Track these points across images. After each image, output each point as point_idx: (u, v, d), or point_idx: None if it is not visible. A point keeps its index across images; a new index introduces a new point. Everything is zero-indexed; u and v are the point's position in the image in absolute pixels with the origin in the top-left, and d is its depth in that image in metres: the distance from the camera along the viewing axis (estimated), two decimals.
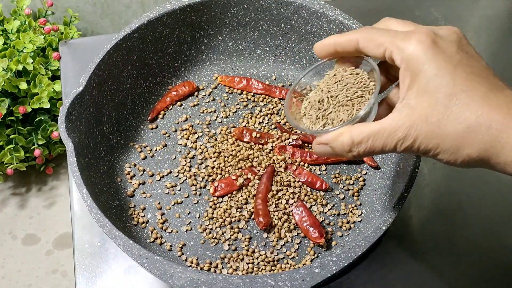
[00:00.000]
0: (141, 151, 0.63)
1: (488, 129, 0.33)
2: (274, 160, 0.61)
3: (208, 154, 0.62)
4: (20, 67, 0.94)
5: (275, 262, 0.55)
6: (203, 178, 0.60)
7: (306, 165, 0.61)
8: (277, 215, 0.57)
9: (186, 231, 0.57)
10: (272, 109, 0.66)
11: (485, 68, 0.36)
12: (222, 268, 0.55)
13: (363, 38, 0.39)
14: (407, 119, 0.35)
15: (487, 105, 0.33)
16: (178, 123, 0.65)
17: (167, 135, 0.64)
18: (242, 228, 0.57)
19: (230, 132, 0.64)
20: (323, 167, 0.61)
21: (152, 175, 0.61)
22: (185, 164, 0.62)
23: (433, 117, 0.34)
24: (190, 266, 0.55)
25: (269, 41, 0.68)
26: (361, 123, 0.38)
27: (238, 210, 0.58)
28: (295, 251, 0.56)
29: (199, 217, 0.58)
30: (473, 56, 0.36)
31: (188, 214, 0.58)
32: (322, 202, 0.59)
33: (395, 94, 0.41)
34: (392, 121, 0.36)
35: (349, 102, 0.41)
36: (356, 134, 0.38)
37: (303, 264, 0.55)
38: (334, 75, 0.43)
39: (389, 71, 0.42)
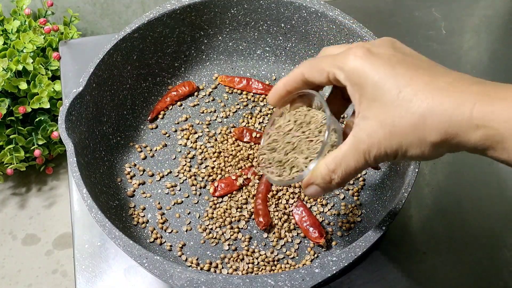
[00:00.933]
0: (141, 151, 0.63)
1: (441, 112, 0.33)
2: None
3: (208, 154, 0.62)
4: (20, 67, 0.94)
5: (275, 262, 0.55)
6: (203, 178, 0.60)
7: None
8: (277, 215, 0.57)
9: (186, 231, 0.57)
10: (272, 109, 0.66)
11: (425, 61, 0.37)
12: (222, 268, 0.55)
13: (306, 69, 0.40)
14: (365, 130, 0.37)
15: (432, 90, 0.34)
16: (178, 123, 0.65)
17: (167, 135, 0.64)
18: (242, 228, 0.57)
19: (230, 132, 0.64)
20: None
21: (152, 175, 0.61)
22: (185, 164, 0.62)
23: (387, 119, 0.35)
24: (190, 266, 0.55)
25: (269, 41, 0.68)
26: (332, 151, 0.39)
27: (238, 210, 0.58)
28: (295, 251, 0.56)
29: (199, 217, 0.58)
30: (411, 54, 0.37)
31: (188, 214, 0.58)
32: (322, 202, 0.59)
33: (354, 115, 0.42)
34: (353, 137, 0.37)
35: (307, 141, 0.42)
36: (329, 162, 0.38)
37: (303, 264, 0.55)
38: (279, 125, 0.44)
39: (343, 94, 0.43)
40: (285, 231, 0.57)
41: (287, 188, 0.59)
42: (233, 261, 0.55)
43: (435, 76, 0.35)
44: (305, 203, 0.58)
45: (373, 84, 0.36)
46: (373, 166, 0.60)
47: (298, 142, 0.42)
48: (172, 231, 0.57)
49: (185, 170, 0.61)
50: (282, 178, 0.43)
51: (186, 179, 0.61)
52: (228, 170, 0.61)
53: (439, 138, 0.34)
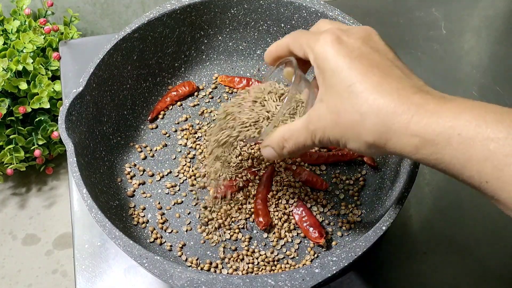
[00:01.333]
0: (141, 151, 0.63)
1: (378, 116, 0.35)
2: (274, 161, 0.61)
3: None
4: (20, 67, 0.94)
5: (275, 262, 0.55)
6: (202, 178, 0.60)
7: (306, 165, 0.61)
8: (277, 215, 0.57)
9: (186, 231, 0.57)
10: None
11: (387, 60, 0.37)
12: (222, 268, 0.55)
13: (291, 41, 0.42)
14: (316, 112, 0.39)
15: (377, 92, 0.35)
16: (178, 123, 0.65)
17: (167, 135, 0.64)
18: (242, 228, 0.57)
19: None
20: (323, 167, 0.61)
21: (152, 175, 0.61)
22: (185, 164, 0.62)
23: (335, 109, 0.37)
24: (190, 266, 0.55)
25: (269, 41, 0.68)
26: (291, 122, 0.42)
27: (238, 210, 0.58)
28: (295, 251, 0.56)
29: (199, 217, 0.58)
30: (379, 50, 0.38)
31: (188, 214, 0.58)
32: (322, 202, 0.59)
33: None
34: (307, 116, 0.40)
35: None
36: (285, 131, 0.42)
37: (303, 264, 0.55)
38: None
39: None
40: (285, 231, 0.57)
41: (287, 188, 0.59)
42: (233, 261, 0.55)
43: (386, 79, 0.36)
44: (305, 203, 0.58)
45: (331, 71, 0.37)
46: (373, 166, 0.60)
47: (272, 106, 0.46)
48: (172, 231, 0.57)
49: (185, 170, 0.61)
50: (249, 134, 0.47)
51: (186, 179, 0.61)
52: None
53: (372, 139, 0.36)
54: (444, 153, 0.33)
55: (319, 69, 0.38)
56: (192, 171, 0.61)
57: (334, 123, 0.37)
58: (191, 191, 0.59)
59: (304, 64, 0.44)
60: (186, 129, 0.64)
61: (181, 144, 0.63)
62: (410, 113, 0.34)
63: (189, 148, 0.63)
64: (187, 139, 0.63)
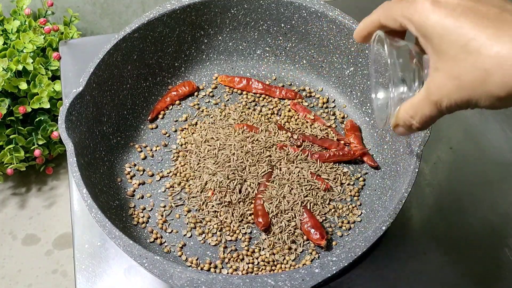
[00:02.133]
0: (141, 151, 0.63)
1: (504, 67, 0.33)
2: (275, 157, 0.61)
3: None
4: (20, 67, 0.94)
5: (275, 262, 0.55)
6: None
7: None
8: (277, 216, 0.57)
9: (186, 231, 0.57)
10: (272, 109, 0.66)
11: (494, 7, 0.36)
12: (222, 268, 0.55)
13: (383, 16, 0.41)
14: (435, 82, 0.37)
15: (497, 44, 0.33)
16: (177, 121, 0.65)
17: (167, 135, 0.64)
18: (242, 228, 0.57)
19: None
20: (323, 167, 0.61)
21: (152, 175, 0.61)
22: (183, 165, 0.61)
23: (454, 73, 0.35)
24: (190, 266, 0.55)
25: (269, 41, 0.68)
26: (412, 97, 0.40)
27: (238, 210, 0.58)
28: (295, 251, 0.56)
29: (187, 223, 0.58)
30: (480, 1, 0.36)
31: (189, 212, 0.58)
32: (322, 202, 0.59)
33: None
34: (425, 88, 0.38)
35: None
36: (407, 108, 0.40)
37: (303, 264, 0.55)
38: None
39: None
40: (285, 232, 0.57)
41: (287, 188, 0.59)
42: (233, 261, 0.55)
43: (501, 28, 0.34)
44: (305, 203, 0.58)
45: (439, 36, 0.36)
46: (373, 166, 0.60)
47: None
48: (172, 231, 0.57)
49: (178, 171, 0.61)
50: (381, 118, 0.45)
51: (180, 182, 0.61)
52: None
53: (504, 93, 0.34)
54: None
55: (425, 37, 0.37)
56: (185, 174, 0.61)
57: (458, 87, 0.35)
58: (171, 189, 0.59)
59: (399, 35, 0.43)
60: (186, 129, 0.64)
61: (179, 144, 0.63)
62: None
63: (185, 148, 0.63)
64: (185, 138, 0.63)
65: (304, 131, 0.64)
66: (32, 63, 0.95)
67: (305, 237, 0.56)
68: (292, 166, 0.60)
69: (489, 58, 0.34)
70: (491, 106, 0.36)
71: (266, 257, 0.55)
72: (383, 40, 0.42)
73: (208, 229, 0.57)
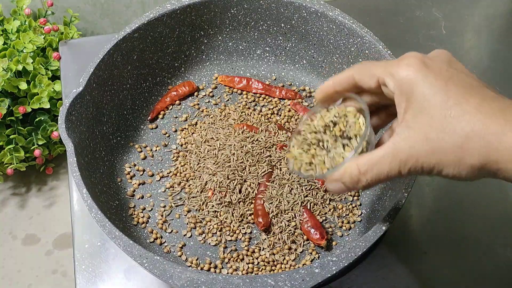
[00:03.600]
0: (141, 151, 0.63)
1: (485, 137, 0.33)
2: (276, 157, 0.61)
3: None
4: (20, 67, 0.94)
5: (275, 262, 0.55)
6: None
7: None
8: (277, 216, 0.57)
9: (186, 231, 0.57)
10: (272, 109, 0.66)
11: (476, 81, 0.37)
12: (222, 268, 0.55)
13: (358, 72, 0.40)
14: (407, 140, 0.36)
15: (480, 113, 0.34)
16: (178, 122, 0.65)
17: (167, 135, 0.64)
18: (242, 228, 0.57)
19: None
20: None
21: (152, 175, 0.61)
22: (183, 165, 0.61)
23: (431, 134, 0.35)
24: (190, 266, 0.55)
25: (269, 41, 0.68)
26: (366, 153, 0.39)
27: (238, 210, 0.58)
28: (295, 251, 0.56)
29: (199, 217, 0.58)
30: (463, 71, 0.37)
31: (189, 212, 0.58)
32: (322, 202, 0.59)
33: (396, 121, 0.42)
34: (392, 144, 0.37)
35: (338, 142, 0.42)
36: (362, 163, 0.38)
37: (303, 264, 0.55)
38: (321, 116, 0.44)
39: (388, 108, 0.44)
40: (285, 232, 0.57)
41: (287, 188, 0.59)
42: (233, 261, 0.55)
43: (485, 100, 0.35)
44: (305, 203, 0.58)
45: (422, 96, 0.36)
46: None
47: (329, 142, 0.42)
48: (172, 231, 0.57)
49: (178, 171, 0.61)
50: (312, 173, 0.43)
51: (180, 182, 0.61)
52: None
53: (479, 162, 0.34)
54: None
55: (404, 94, 0.37)
56: (185, 174, 0.61)
57: (432, 149, 0.35)
58: (172, 190, 0.59)
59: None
60: (186, 129, 0.64)
61: (179, 144, 0.63)
62: None
63: (185, 148, 0.63)
64: (185, 138, 0.63)
65: None
66: (32, 63, 0.95)
67: (305, 237, 0.56)
68: None
69: (470, 126, 0.34)
70: (456, 175, 0.36)
71: (266, 257, 0.55)
72: (363, 106, 0.40)
73: (208, 229, 0.57)
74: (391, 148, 0.37)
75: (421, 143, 0.36)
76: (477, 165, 0.34)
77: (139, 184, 0.60)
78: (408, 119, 0.36)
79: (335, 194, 0.56)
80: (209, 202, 0.58)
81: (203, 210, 0.58)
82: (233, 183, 0.58)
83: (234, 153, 0.60)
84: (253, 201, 0.58)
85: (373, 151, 0.38)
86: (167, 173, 0.61)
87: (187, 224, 0.57)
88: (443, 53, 0.39)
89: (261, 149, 0.61)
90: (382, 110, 0.44)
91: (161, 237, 0.57)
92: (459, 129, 0.34)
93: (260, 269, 0.55)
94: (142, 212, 0.58)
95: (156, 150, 0.63)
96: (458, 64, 0.38)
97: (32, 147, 1.04)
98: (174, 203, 0.59)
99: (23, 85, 0.96)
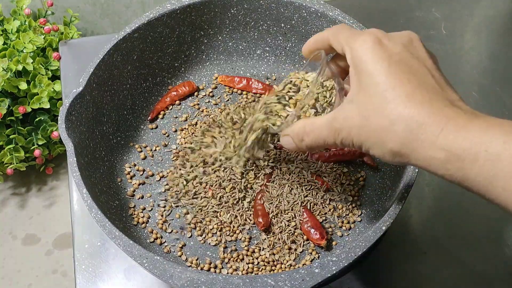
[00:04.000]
0: (141, 151, 0.63)
1: (407, 124, 0.34)
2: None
3: None
4: (20, 67, 0.94)
5: (275, 262, 0.55)
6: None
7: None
8: (277, 216, 0.57)
9: (186, 231, 0.57)
10: None
11: (425, 68, 0.37)
12: (222, 268, 0.55)
13: (332, 35, 0.42)
14: (344, 112, 0.38)
15: (409, 101, 0.34)
16: (178, 123, 0.65)
17: (167, 135, 0.64)
18: (242, 228, 0.57)
19: None
20: (323, 167, 0.61)
21: (152, 175, 0.61)
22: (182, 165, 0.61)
23: (365, 112, 0.36)
24: (190, 266, 0.55)
25: (269, 41, 0.68)
26: (317, 116, 0.42)
27: (238, 210, 0.58)
28: (295, 251, 0.56)
29: (188, 223, 0.58)
30: (418, 57, 0.38)
31: (188, 214, 0.58)
32: (322, 202, 0.59)
33: None
34: (333, 114, 0.39)
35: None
36: (307, 124, 0.41)
37: (303, 264, 0.55)
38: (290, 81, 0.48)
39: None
40: (285, 232, 0.57)
41: (287, 188, 0.59)
42: (233, 261, 0.55)
43: (420, 89, 0.35)
44: (305, 203, 0.58)
45: (367, 73, 0.37)
46: (373, 166, 0.60)
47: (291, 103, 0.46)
48: (172, 231, 0.57)
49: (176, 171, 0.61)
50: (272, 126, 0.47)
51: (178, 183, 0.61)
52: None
53: (398, 147, 0.35)
54: (471, 170, 0.33)
55: (355, 69, 0.38)
56: (182, 174, 0.61)
57: (361, 125, 0.37)
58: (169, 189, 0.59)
59: (342, 61, 0.44)
60: (185, 129, 0.64)
61: (179, 144, 0.63)
62: (440, 126, 0.33)
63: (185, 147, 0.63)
64: (185, 138, 0.63)
65: None
66: (32, 63, 0.95)
67: (305, 237, 0.56)
68: (292, 166, 0.60)
69: (397, 111, 0.35)
70: (381, 156, 0.37)
71: (266, 257, 0.55)
72: (322, 57, 0.43)
73: (208, 229, 0.57)
74: (331, 116, 0.39)
75: (355, 119, 0.37)
76: (395, 149, 0.35)
77: (139, 184, 0.60)
78: (353, 93, 0.38)
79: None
80: (209, 202, 0.58)
81: (202, 210, 0.58)
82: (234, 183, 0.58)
83: None
84: (253, 201, 0.58)
85: (321, 116, 0.41)
86: (167, 173, 0.61)
87: (188, 223, 0.57)
88: (407, 34, 0.39)
89: None
90: None
91: (161, 237, 0.57)
92: (387, 111, 0.35)
93: (260, 269, 0.55)
94: (142, 212, 0.58)
95: (156, 150, 0.63)
96: (419, 50, 0.38)
97: (32, 147, 1.04)
98: (174, 203, 0.59)
99: (23, 85, 0.96)
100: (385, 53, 0.37)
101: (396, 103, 0.35)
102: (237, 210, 0.58)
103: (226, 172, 0.60)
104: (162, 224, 0.57)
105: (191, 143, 0.59)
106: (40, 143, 1.05)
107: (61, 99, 0.97)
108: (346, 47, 0.39)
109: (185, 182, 0.59)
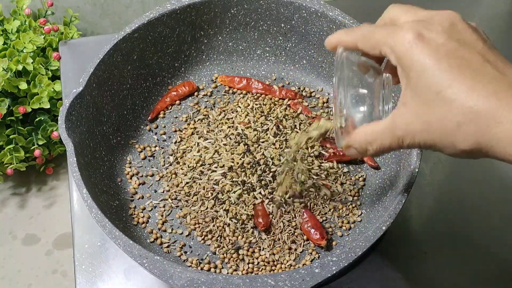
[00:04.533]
0: (141, 151, 0.63)
1: (476, 124, 0.32)
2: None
3: None
4: (20, 67, 0.94)
5: (275, 262, 0.55)
6: None
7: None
8: (277, 216, 0.57)
9: (186, 231, 0.57)
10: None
11: (478, 55, 0.34)
12: (222, 268, 0.55)
13: (361, 39, 0.39)
14: (403, 118, 0.36)
15: (472, 98, 0.32)
16: (178, 123, 0.65)
17: (167, 135, 0.64)
18: (242, 229, 0.57)
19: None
20: (323, 167, 0.61)
21: (152, 175, 0.61)
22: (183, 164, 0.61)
23: (424, 116, 0.35)
24: (190, 266, 0.55)
25: (269, 41, 0.68)
26: (375, 122, 0.39)
27: (238, 210, 0.58)
28: (295, 251, 0.56)
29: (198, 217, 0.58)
30: (466, 43, 0.35)
31: (189, 214, 0.58)
32: (322, 202, 0.59)
33: None
34: (391, 119, 0.37)
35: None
36: (368, 133, 0.39)
37: (303, 264, 0.55)
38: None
39: None
40: (285, 232, 0.57)
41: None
42: (233, 261, 0.55)
43: (480, 81, 0.33)
44: (305, 203, 0.58)
45: (417, 75, 0.34)
46: (373, 166, 0.60)
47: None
48: (172, 231, 0.57)
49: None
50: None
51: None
52: None
53: (470, 147, 0.33)
54: None
55: (404, 70, 0.35)
56: (182, 174, 0.61)
57: (425, 131, 0.35)
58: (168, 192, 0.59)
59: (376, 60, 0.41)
60: (185, 128, 0.64)
61: (179, 144, 0.63)
62: None
63: (182, 148, 0.63)
64: (185, 138, 0.63)
65: None
66: (32, 63, 0.95)
67: (305, 237, 0.56)
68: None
69: (461, 112, 0.33)
70: (454, 155, 0.35)
71: (266, 257, 0.55)
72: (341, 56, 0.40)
73: (208, 229, 0.57)
74: (390, 123, 0.37)
75: (416, 124, 0.35)
76: (468, 149, 0.34)
77: (139, 184, 0.60)
78: (406, 95, 0.36)
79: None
80: (209, 202, 0.58)
81: (202, 210, 0.58)
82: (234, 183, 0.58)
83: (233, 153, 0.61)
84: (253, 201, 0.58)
85: (379, 122, 0.38)
86: (167, 173, 0.61)
87: (188, 224, 0.57)
88: (446, 17, 0.36)
89: None
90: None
91: (161, 237, 0.57)
92: (451, 114, 0.33)
93: (260, 269, 0.55)
94: (142, 212, 0.58)
95: (156, 150, 0.63)
96: (463, 33, 0.35)
97: (32, 147, 1.04)
98: (174, 203, 0.59)
99: (23, 85, 0.96)
100: (429, 48, 0.34)
101: (458, 104, 0.32)
102: (237, 210, 0.58)
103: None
104: (162, 224, 0.57)
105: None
106: (40, 143, 1.05)
107: (61, 99, 0.97)
108: (387, 49, 0.36)
109: (184, 183, 0.59)
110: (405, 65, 0.35)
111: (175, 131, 0.65)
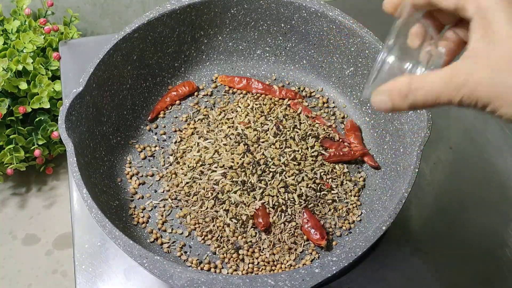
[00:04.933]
0: (141, 151, 0.63)
1: None
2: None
3: None
4: (20, 67, 0.94)
5: (275, 262, 0.55)
6: None
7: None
8: (277, 216, 0.57)
9: (186, 231, 0.57)
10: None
11: None
12: (222, 268, 0.55)
13: None
14: (470, 66, 0.33)
15: None
16: (178, 123, 0.65)
17: (167, 135, 0.64)
18: (242, 229, 0.57)
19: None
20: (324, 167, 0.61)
21: (152, 175, 0.61)
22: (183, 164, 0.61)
23: (498, 66, 0.32)
24: (190, 266, 0.55)
25: (269, 41, 0.68)
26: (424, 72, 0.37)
27: (238, 211, 0.58)
28: (295, 251, 0.56)
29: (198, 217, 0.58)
30: None
31: (189, 214, 0.58)
32: (322, 202, 0.59)
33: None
34: (453, 66, 0.34)
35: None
36: (416, 79, 0.35)
37: (303, 264, 0.55)
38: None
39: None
40: (285, 232, 0.57)
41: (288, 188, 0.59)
42: (233, 261, 0.55)
43: None
44: (305, 203, 0.58)
45: (499, 27, 0.33)
46: (373, 166, 0.60)
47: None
48: (172, 231, 0.57)
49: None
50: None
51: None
52: None
53: None
54: None
55: (481, 21, 0.33)
56: (181, 174, 0.61)
57: (492, 81, 0.32)
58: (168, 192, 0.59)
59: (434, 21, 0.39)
60: (185, 128, 0.64)
61: (179, 144, 0.63)
62: None
63: (182, 148, 0.63)
64: (185, 138, 0.63)
65: None
66: (32, 63, 0.95)
67: (305, 237, 0.56)
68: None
69: None
70: (507, 120, 0.33)
71: (266, 257, 0.55)
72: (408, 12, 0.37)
73: (208, 229, 0.57)
74: (450, 69, 0.34)
75: (485, 72, 0.33)
76: None
77: (139, 184, 0.60)
78: (478, 47, 0.34)
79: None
80: (209, 202, 0.58)
81: (202, 211, 0.58)
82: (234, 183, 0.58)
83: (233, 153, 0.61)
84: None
85: (432, 72, 0.35)
86: (167, 173, 0.61)
87: (188, 224, 0.57)
88: None
89: None
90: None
91: (161, 237, 0.57)
92: None
93: (260, 269, 0.55)
94: (142, 212, 0.58)
95: (156, 150, 0.63)
96: None
97: (32, 147, 1.04)
98: (174, 203, 0.59)
99: (23, 85, 0.96)
100: None
101: None
102: (237, 210, 0.58)
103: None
104: (162, 224, 0.57)
105: None
106: (40, 143, 1.05)
107: (61, 99, 0.97)
108: (467, 1, 0.34)
109: (184, 183, 0.59)
110: (486, 17, 0.33)
111: (175, 131, 0.65)
